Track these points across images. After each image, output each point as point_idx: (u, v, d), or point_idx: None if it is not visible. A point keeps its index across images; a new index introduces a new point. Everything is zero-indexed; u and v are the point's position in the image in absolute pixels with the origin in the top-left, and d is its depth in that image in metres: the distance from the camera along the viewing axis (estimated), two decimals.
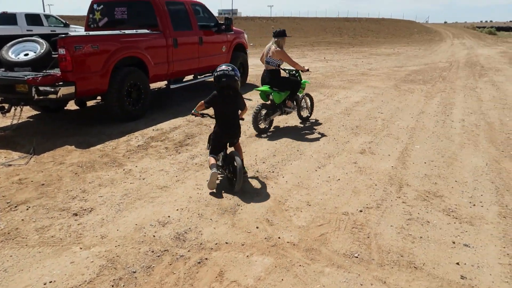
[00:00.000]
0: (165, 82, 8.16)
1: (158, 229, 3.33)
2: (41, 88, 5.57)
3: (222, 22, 9.32)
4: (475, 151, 5.34)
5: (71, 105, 7.87)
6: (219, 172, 4.12)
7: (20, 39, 6.48)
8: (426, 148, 5.44)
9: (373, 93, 9.60)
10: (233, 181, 4.02)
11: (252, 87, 10.33)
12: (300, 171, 4.61)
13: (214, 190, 4.00)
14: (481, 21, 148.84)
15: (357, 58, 19.07)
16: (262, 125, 6.09)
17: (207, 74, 9.24)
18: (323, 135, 6.05)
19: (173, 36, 7.60)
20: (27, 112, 7.29)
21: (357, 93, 9.65)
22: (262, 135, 5.97)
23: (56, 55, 6.36)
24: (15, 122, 6.28)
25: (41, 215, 3.55)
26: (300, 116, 6.65)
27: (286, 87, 6.17)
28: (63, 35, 5.71)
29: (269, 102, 6.25)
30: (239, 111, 4.27)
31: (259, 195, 3.99)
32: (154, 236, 3.22)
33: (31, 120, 7.02)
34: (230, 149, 4.32)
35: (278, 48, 6.10)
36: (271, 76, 6.17)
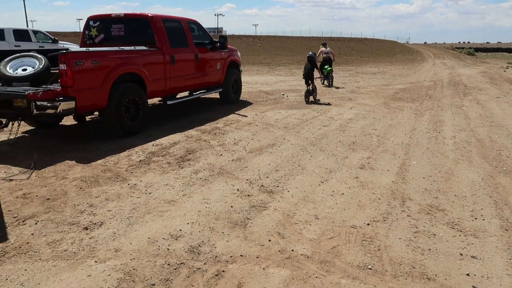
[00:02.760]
0: (159, 98, 8.21)
1: (171, 242, 3.34)
2: (40, 103, 5.55)
3: (216, 40, 9.47)
4: (469, 166, 5.52)
5: (66, 121, 7.83)
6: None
7: (18, 54, 6.47)
8: (423, 163, 5.60)
9: (364, 111, 9.81)
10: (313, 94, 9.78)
11: (246, 104, 10.46)
12: (304, 186, 4.68)
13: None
14: (459, 42, 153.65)
15: (344, 77, 19.45)
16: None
17: (202, 91, 9.33)
18: (322, 150, 6.16)
19: (170, 53, 7.69)
20: (22, 127, 7.22)
21: (349, 110, 9.85)
22: (263, 152, 6.05)
23: (55, 71, 6.38)
24: (12, 137, 6.22)
25: (51, 229, 3.52)
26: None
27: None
28: (64, 51, 5.73)
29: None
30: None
31: (267, 209, 4.04)
32: (168, 249, 3.23)
33: (26, 135, 6.96)
34: None
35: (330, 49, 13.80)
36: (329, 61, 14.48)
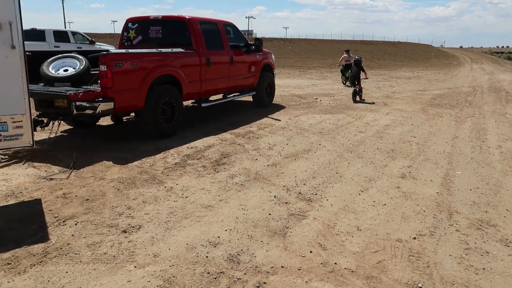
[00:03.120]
0: (192, 100, 8.21)
1: (210, 249, 3.27)
2: (80, 103, 5.63)
3: (252, 42, 9.42)
4: None
5: (103, 121, 7.95)
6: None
7: (60, 55, 6.61)
8: (468, 174, 5.33)
9: (401, 117, 9.52)
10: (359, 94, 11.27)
11: (279, 107, 10.35)
12: (343, 194, 4.53)
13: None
14: (497, 46, 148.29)
15: (378, 81, 19.05)
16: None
17: (235, 94, 9.29)
18: (359, 157, 5.97)
19: (206, 55, 7.68)
20: (61, 126, 7.36)
21: (385, 116, 9.58)
22: (299, 157, 5.92)
23: (95, 72, 6.48)
24: (52, 136, 6.34)
25: (91, 231, 3.52)
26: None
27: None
28: (105, 53, 5.80)
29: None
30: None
31: (306, 218, 3.91)
32: (207, 256, 3.16)
33: (65, 134, 7.09)
34: None
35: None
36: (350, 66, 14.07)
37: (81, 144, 6.31)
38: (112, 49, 17.43)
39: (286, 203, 4.25)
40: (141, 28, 8.02)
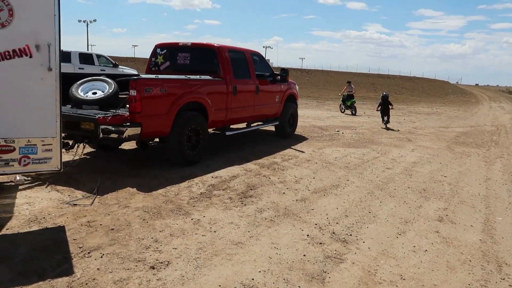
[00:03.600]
0: (213, 128, 8.10)
1: None
2: (108, 127, 5.53)
3: (277, 72, 9.37)
4: None
5: (125, 145, 7.85)
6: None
7: (90, 78, 6.59)
8: (510, 221, 5.02)
9: (427, 154, 9.26)
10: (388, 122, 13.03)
11: (302, 138, 10.19)
12: (380, 237, 4.27)
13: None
14: None
15: (398, 116, 18.85)
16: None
17: (258, 123, 9.17)
18: (391, 196, 5.72)
19: (233, 84, 7.61)
20: (84, 149, 7.28)
21: (411, 152, 9.33)
22: (328, 193, 5.70)
23: (124, 96, 6.43)
24: (76, 158, 6.24)
25: (117, 265, 3.31)
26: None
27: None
28: (135, 77, 5.74)
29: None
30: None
31: (344, 261, 3.66)
32: None
33: (87, 157, 6.99)
34: None
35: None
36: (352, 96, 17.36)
37: (104, 168, 6.18)
38: (135, 72, 17.66)
39: (321, 243, 4.01)
40: (169, 54, 8.03)
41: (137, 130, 5.71)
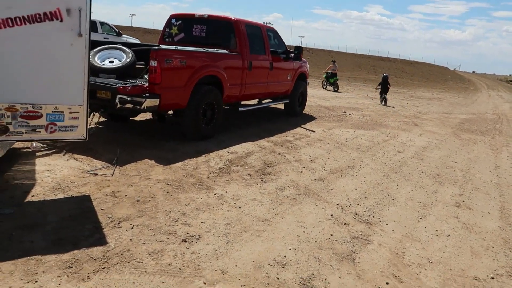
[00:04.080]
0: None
1: (279, 270, 3.05)
2: (127, 97, 5.44)
3: (291, 50, 9.24)
4: None
5: (136, 117, 7.74)
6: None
7: (106, 46, 6.44)
8: None
9: (435, 139, 9.29)
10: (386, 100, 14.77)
11: (310, 118, 10.15)
12: (402, 220, 4.31)
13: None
14: (510, 75, 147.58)
15: (400, 99, 18.83)
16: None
17: (269, 100, 9.10)
18: (407, 180, 5.75)
19: (249, 59, 7.49)
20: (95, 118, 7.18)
21: (419, 137, 9.35)
22: (345, 174, 5.71)
23: (141, 66, 6.31)
24: (91, 127, 6.15)
25: (149, 237, 3.31)
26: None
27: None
28: (156, 47, 5.62)
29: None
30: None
31: (370, 243, 3.69)
32: (278, 278, 2.94)
33: (99, 126, 6.90)
34: None
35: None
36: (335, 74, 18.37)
37: (118, 139, 6.11)
38: (138, 42, 17.31)
39: (345, 224, 4.03)
40: (184, 26, 7.85)
41: (155, 102, 5.62)
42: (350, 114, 11.59)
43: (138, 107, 5.55)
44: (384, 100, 15.27)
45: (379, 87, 15.68)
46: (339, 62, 41.83)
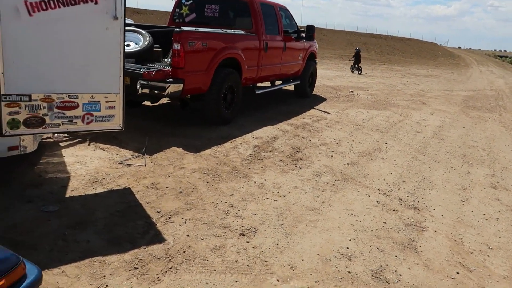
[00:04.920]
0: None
1: (347, 263, 2.95)
2: (150, 83, 5.21)
3: (303, 29, 8.99)
4: None
5: (148, 102, 7.47)
6: None
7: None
8: None
9: (447, 118, 9.24)
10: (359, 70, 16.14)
11: (320, 99, 10.00)
12: (447, 204, 4.24)
13: None
14: (495, 50, 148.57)
15: (398, 77, 18.74)
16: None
17: (280, 82, 8.89)
18: (436, 161, 5.68)
19: (265, 40, 7.25)
20: None
21: (431, 116, 9.30)
22: (374, 157, 5.61)
23: (158, 49, 6.05)
24: None
25: (205, 232, 3.17)
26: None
27: None
28: (179, 30, 5.35)
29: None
30: None
31: (425, 230, 3.61)
32: (349, 272, 2.84)
33: None
34: None
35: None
36: None
37: (138, 126, 5.88)
38: (131, 22, 16.73)
39: (394, 210, 3.94)
40: (196, 5, 7.53)
41: (179, 87, 5.40)
42: (358, 94, 11.45)
43: (161, 92, 5.32)
44: (358, 69, 17.74)
45: (353, 58, 18.18)
46: (330, 40, 41.50)
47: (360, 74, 17.52)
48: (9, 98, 3.25)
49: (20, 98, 3.30)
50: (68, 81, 3.48)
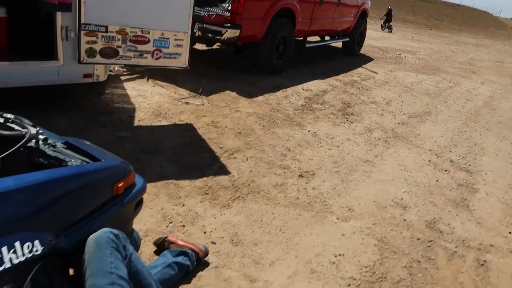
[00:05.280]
0: None
1: (401, 212, 3.07)
2: (208, 26, 5.26)
3: None
4: None
5: (198, 46, 7.54)
6: None
7: None
8: None
9: (498, 89, 8.95)
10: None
11: (367, 58, 9.80)
12: (499, 171, 4.25)
13: None
14: None
15: (446, 44, 17.98)
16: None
17: (328, 38, 8.74)
18: (487, 130, 5.61)
19: None
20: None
21: (481, 85, 9.01)
22: (424, 120, 5.58)
23: None
24: None
25: (266, 170, 3.33)
26: None
27: None
28: None
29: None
30: None
31: (478, 191, 3.67)
32: (404, 219, 2.97)
33: None
34: None
35: None
36: None
37: (194, 69, 5.97)
38: None
39: (446, 170, 3.99)
40: None
41: (236, 33, 5.43)
42: (405, 57, 11.14)
43: (218, 37, 5.38)
44: (388, 27, 18.08)
45: (384, 17, 18.41)
46: (376, 0, 39.74)
47: (390, 32, 17.79)
48: (88, 27, 3.39)
49: (98, 28, 3.43)
50: (142, 17, 3.58)
